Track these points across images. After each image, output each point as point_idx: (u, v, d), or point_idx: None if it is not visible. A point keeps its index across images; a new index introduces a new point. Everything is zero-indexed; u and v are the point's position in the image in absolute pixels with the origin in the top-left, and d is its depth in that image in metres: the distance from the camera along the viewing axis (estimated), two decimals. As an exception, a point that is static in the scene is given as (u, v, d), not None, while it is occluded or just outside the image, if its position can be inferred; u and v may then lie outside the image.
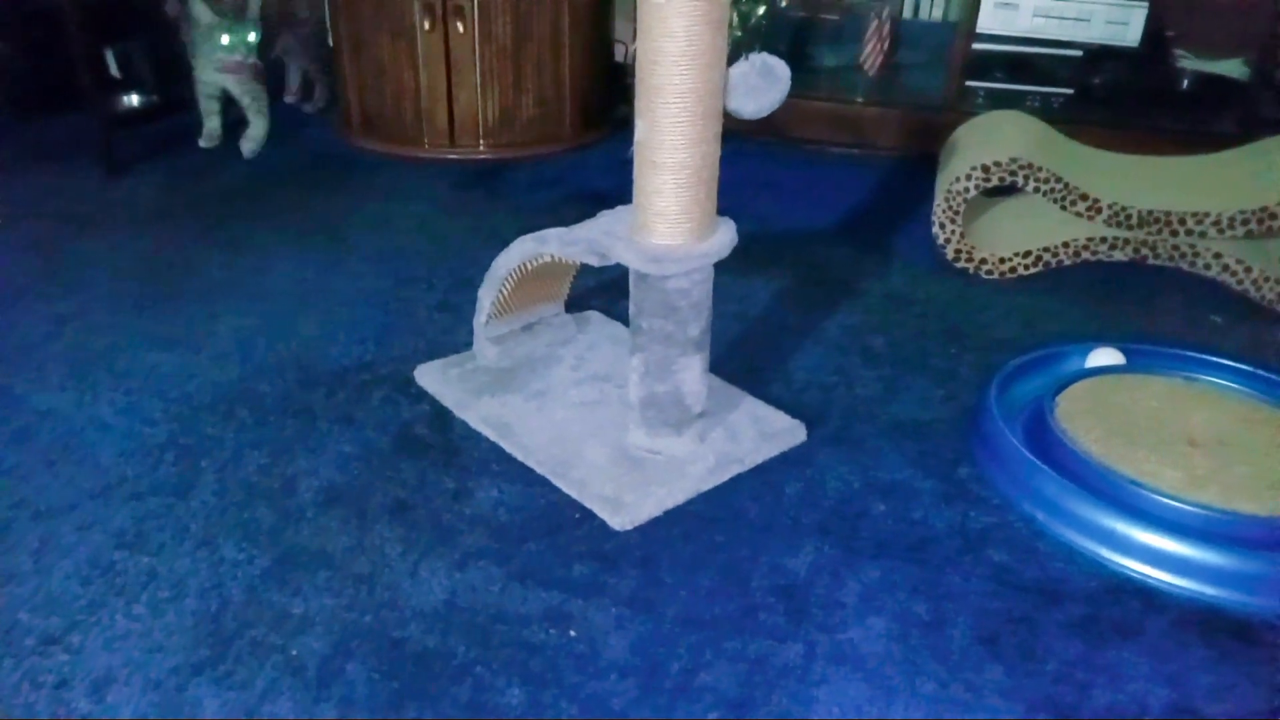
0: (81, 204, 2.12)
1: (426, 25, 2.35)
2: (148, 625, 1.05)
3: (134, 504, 1.23)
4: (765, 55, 1.17)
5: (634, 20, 1.13)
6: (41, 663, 1.00)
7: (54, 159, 2.36)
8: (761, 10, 2.67)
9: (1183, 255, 1.85)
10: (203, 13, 2.28)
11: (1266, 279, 1.80)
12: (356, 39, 2.47)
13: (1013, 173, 1.81)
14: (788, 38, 2.72)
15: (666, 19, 1.08)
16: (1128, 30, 2.45)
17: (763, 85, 1.17)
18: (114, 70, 2.75)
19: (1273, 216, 1.72)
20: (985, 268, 1.90)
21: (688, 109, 1.12)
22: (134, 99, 2.73)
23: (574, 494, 1.25)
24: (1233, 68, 2.55)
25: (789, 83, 1.18)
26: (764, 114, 1.19)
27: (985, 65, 2.54)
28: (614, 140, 2.65)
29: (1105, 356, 1.51)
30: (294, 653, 1.02)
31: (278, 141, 2.54)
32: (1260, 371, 1.47)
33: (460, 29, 2.36)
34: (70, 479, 1.27)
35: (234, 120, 2.51)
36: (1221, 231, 1.77)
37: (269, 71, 2.53)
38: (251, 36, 2.32)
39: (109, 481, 1.26)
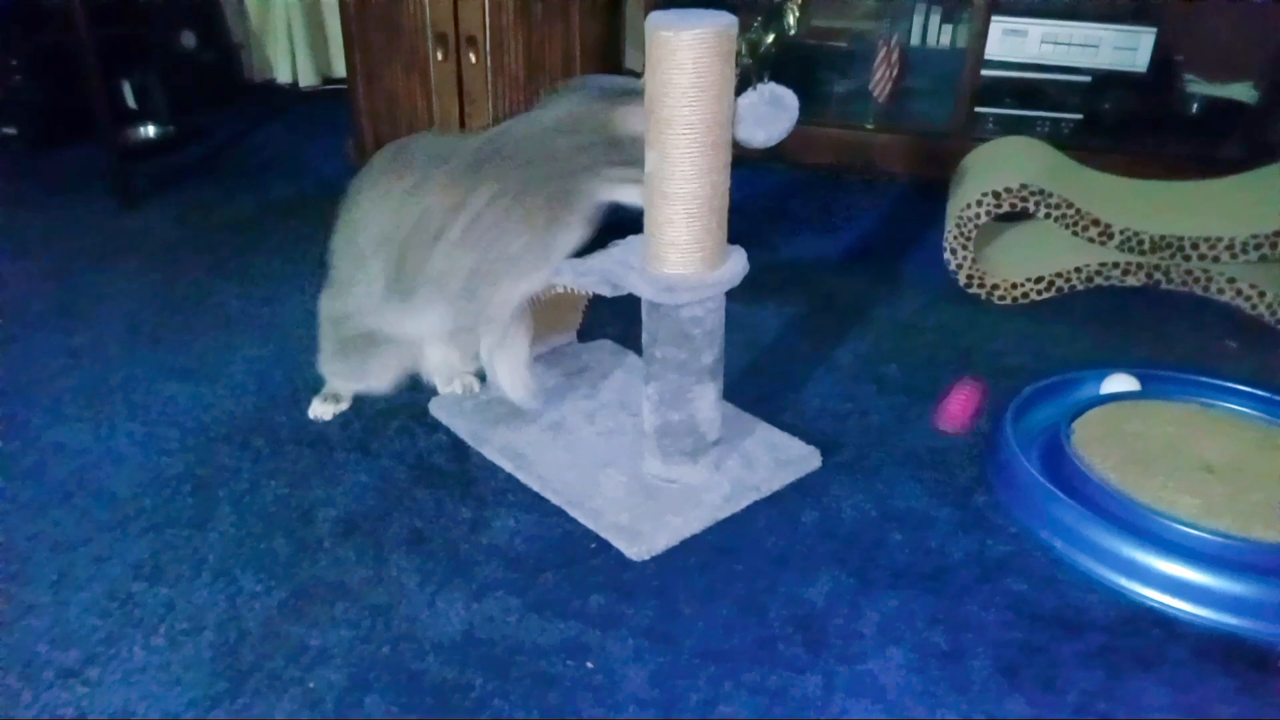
0: (96, 236, 2.13)
1: (439, 56, 2.37)
2: (166, 658, 1.05)
3: (151, 536, 1.23)
4: (774, 85, 1.18)
5: (645, 50, 1.14)
6: (60, 695, 1.00)
7: (69, 191, 2.38)
8: (770, 39, 2.69)
9: (1196, 280, 1.85)
10: None
11: (1280, 303, 1.80)
12: (370, 70, 2.49)
13: (1024, 199, 1.81)
14: (797, 65, 2.74)
15: (675, 52, 1.09)
16: (1136, 56, 2.45)
17: (771, 115, 1.18)
18: (130, 101, 2.79)
19: (1285, 241, 1.72)
20: (998, 293, 1.90)
21: (697, 140, 1.13)
22: (149, 130, 2.76)
23: (590, 524, 1.25)
24: (1242, 91, 2.55)
25: (797, 112, 1.19)
26: (773, 143, 1.21)
27: (994, 91, 2.54)
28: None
29: (1120, 383, 1.51)
30: (312, 685, 1.02)
31: (291, 173, 2.56)
32: (1276, 397, 1.47)
33: (473, 59, 2.38)
34: (87, 511, 1.27)
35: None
36: (1234, 256, 1.77)
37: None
38: None
39: (126, 514, 1.27)
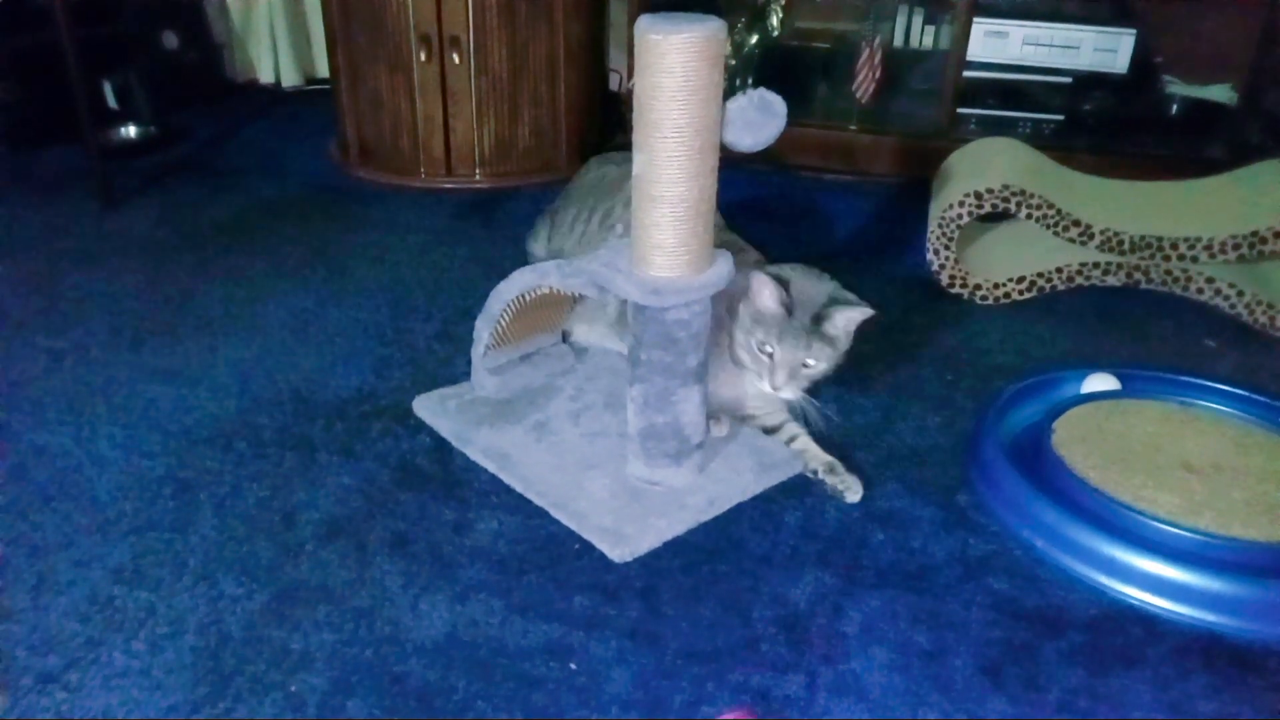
0: (79, 237, 2.12)
1: (423, 56, 2.37)
2: (146, 662, 1.04)
3: (132, 539, 1.22)
4: (763, 90, 1.18)
5: (629, 50, 1.14)
6: (39, 701, 1.00)
7: (51, 192, 2.36)
8: (754, 40, 2.70)
9: (1175, 280, 1.86)
10: None
11: (1259, 302, 1.81)
12: (353, 71, 2.48)
13: (1005, 199, 1.83)
14: (780, 67, 2.75)
15: (665, 55, 1.09)
16: (1116, 57, 2.47)
17: (760, 120, 1.18)
18: (111, 101, 2.77)
19: (1263, 241, 1.74)
20: (980, 293, 1.91)
21: (685, 143, 1.13)
22: (131, 130, 2.74)
23: (574, 526, 1.25)
24: (1220, 93, 2.58)
25: (786, 118, 1.19)
26: (760, 148, 1.21)
27: (977, 92, 2.56)
28: (609, 169, 2.66)
29: (1100, 382, 1.52)
30: (294, 689, 1.01)
31: (275, 173, 2.55)
32: (1255, 396, 1.48)
33: (456, 60, 2.37)
34: (68, 515, 1.26)
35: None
36: (1213, 256, 1.78)
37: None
38: None
39: (107, 517, 1.26)
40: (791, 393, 1.35)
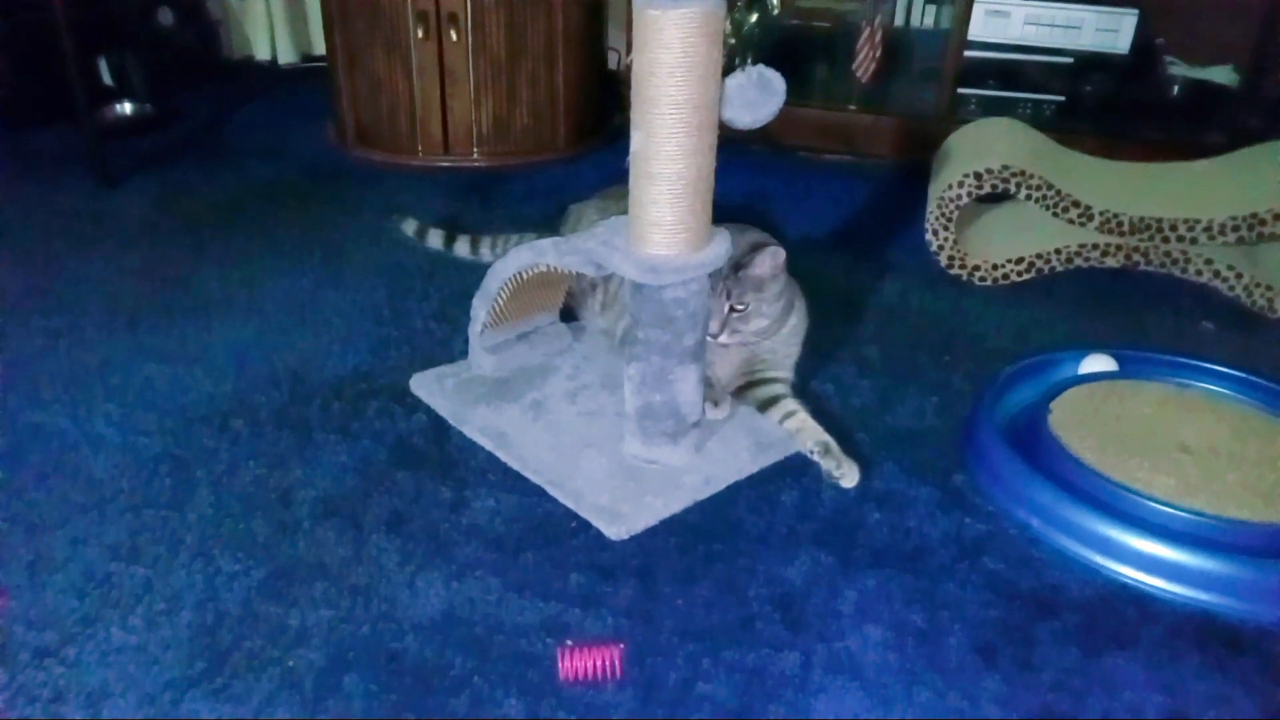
0: (75, 217, 2.11)
1: (420, 34, 2.36)
2: (143, 638, 1.04)
3: (129, 517, 1.22)
4: (761, 67, 1.18)
5: (628, 28, 1.14)
6: (36, 676, 1.00)
7: (46, 171, 2.35)
8: (754, 18, 2.68)
9: (1174, 261, 1.86)
10: None
11: (1257, 285, 1.81)
12: (351, 52, 2.47)
13: (1005, 180, 1.82)
14: (780, 45, 2.73)
15: (663, 31, 1.09)
16: (1118, 38, 2.46)
17: (759, 98, 1.17)
18: (107, 79, 2.76)
19: (1262, 223, 1.73)
20: (979, 274, 1.91)
21: (684, 120, 1.13)
22: (126, 108, 2.73)
23: (570, 504, 1.25)
24: (1222, 74, 2.56)
25: (784, 95, 1.19)
26: (759, 125, 1.20)
27: (977, 73, 2.55)
28: (608, 149, 2.65)
29: (1098, 363, 1.52)
30: (291, 665, 1.02)
31: (271, 154, 2.54)
32: (1251, 378, 1.48)
33: (454, 38, 2.36)
34: (64, 493, 1.26)
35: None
36: (1212, 238, 1.78)
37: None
38: None
39: (103, 495, 1.26)
40: (728, 337, 1.38)
